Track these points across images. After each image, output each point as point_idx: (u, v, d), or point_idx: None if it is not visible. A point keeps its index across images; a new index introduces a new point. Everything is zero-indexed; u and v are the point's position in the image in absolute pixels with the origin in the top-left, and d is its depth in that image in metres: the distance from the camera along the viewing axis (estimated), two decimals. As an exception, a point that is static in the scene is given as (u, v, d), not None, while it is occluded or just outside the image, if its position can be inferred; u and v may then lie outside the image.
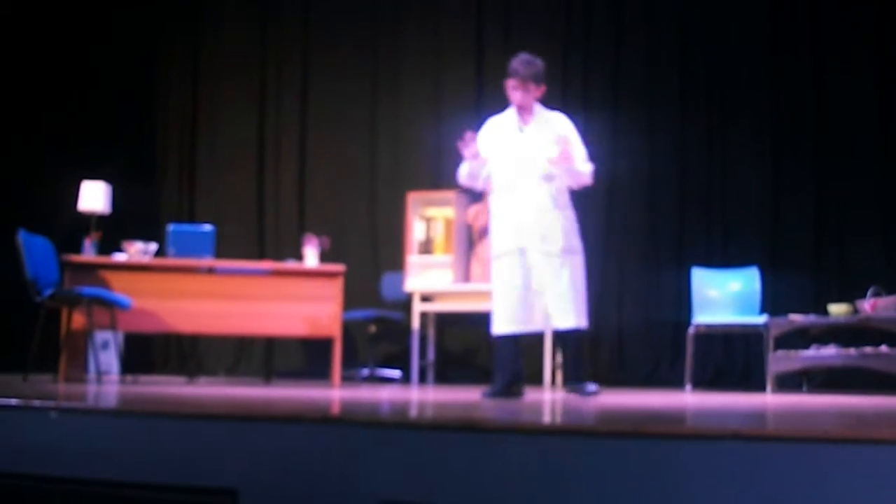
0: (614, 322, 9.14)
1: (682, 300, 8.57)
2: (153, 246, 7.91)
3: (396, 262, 9.53)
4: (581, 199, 9.13)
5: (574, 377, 5.77)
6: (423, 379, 9.13)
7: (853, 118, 8.62)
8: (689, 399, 5.78)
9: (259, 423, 3.04)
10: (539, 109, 5.88)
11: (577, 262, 5.78)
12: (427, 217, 9.40)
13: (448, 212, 9.32)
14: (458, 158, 9.79)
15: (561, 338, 5.91)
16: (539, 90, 5.80)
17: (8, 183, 9.67)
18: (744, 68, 9.00)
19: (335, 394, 5.60)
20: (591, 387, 5.68)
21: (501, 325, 5.70)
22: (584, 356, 6.20)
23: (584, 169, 5.82)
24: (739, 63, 9.01)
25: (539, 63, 5.79)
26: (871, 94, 8.61)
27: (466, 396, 5.49)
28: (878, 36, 8.63)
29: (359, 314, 8.97)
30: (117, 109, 10.38)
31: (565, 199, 5.84)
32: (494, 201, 5.90)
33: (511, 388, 5.60)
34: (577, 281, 5.74)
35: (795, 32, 8.91)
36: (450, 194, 9.29)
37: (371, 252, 10.00)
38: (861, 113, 8.61)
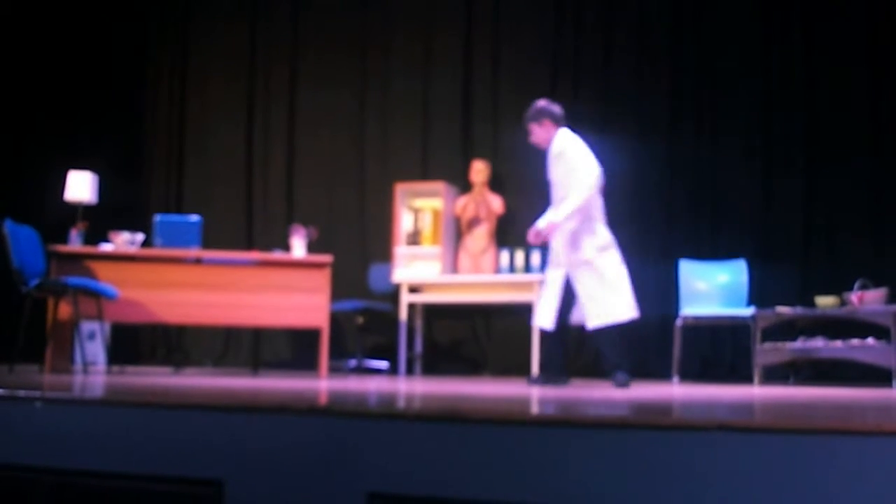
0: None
1: (670, 292, 8.58)
2: (140, 236, 7.89)
3: (384, 253, 9.52)
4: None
5: (611, 367, 6.51)
6: (410, 370, 9.14)
7: (843, 112, 8.63)
8: (676, 391, 5.79)
9: (246, 413, 3.03)
10: (553, 145, 6.70)
11: (586, 270, 6.56)
12: (415, 208, 9.39)
13: (436, 203, 9.31)
14: (445, 149, 9.88)
15: (591, 336, 6.80)
16: (541, 127, 6.70)
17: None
18: (735, 59, 9.00)
19: (322, 385, 5.60)
20: (621, 377, 6.37)
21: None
22: (617, 349, 6.64)
23: (569, 210, 6.46)
24: (731, 54, 9.01)
25: (535, 105, 6.74)
26: (862, 89, 8.61)
27: (454, 387, 5.49)
28: (870, 32, 8.64)
29: (346, 305, 8.96)
30: (105, 99, 10.35)
31: (571, 221, 6.54)
32: None
33: (552, 378, 6.52)
34: (587, 286, 6.55)
35: (787, 25, 8.91)
36: (438, 185, 9.29)
37: (359, 243, 9.98)
38: (851, 107, 8.62)
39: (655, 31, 9.29)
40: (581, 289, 6.55)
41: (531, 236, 6.62)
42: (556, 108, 6.74)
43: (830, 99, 8.69)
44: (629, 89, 9.30)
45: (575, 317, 6.71)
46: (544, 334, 6.82)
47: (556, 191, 6.66)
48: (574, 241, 6.55)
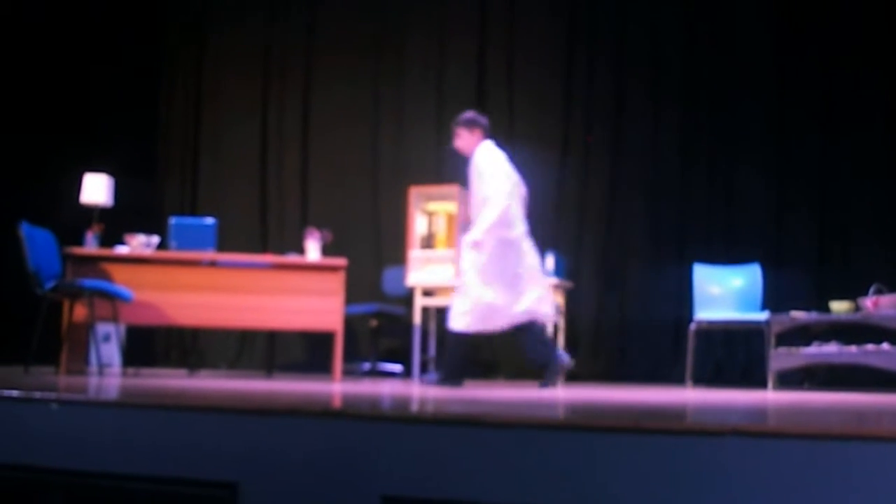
0: (616, 318, 9.14)
1: (684, 296, 8.57)
2: (155, 239, 7.91)
3: (398, 257, 9.53)
4: (583, 195, 9.16)
5: (441, 366, 6.95)
6: (424, 373, 9.13)
7: (858, 116, 8.61)
8: (689, 395, 5.78)
9: (260, 416, 3.04)
10: (475, 154, 6.89)
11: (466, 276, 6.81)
12: (429, 211, 9.39)
13: (450, 206, 9.30)
14: (459, 153, 9.90)
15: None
16: (471, 134, 6.96)
17: (10, 175, 9.67)
18: (749, 64, 8.99)
19: (336, 388, 5.60)
20: (432, 376, 6.91)
21: None
22: (453, 354, 6.95)
23: (489, 221, 6.69)
24: (745, 59, 9.00)
25: (466, 114, 7.06)
26: (877, 93, 8.60)
27: (467, 391, 5.49)
28: (889, 29, 8.62)
29: (360, 308, 8.97)
30: (120, 102, 10.37)
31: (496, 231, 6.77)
32: None
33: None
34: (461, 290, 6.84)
35: (801, 33, 8.90)
36: (452, 189, 9.28)
37: (373, 246, 10.00)
38: (866, 111, 8.60)
39: (669, 34, 9.28)
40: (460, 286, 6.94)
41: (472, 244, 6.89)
42: (485, 120, 7.06)
43: (845, 105, 8.67)
44: (643, 93, 9.30)
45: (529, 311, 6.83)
46: (516, 335, 6.97)
47: (472, 197, 6.95)
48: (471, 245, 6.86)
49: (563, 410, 3.53)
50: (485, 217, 6.70)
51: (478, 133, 6.97)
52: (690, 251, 8.82)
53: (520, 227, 6.89)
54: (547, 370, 6.74)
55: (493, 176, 6.75)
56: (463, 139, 7.00)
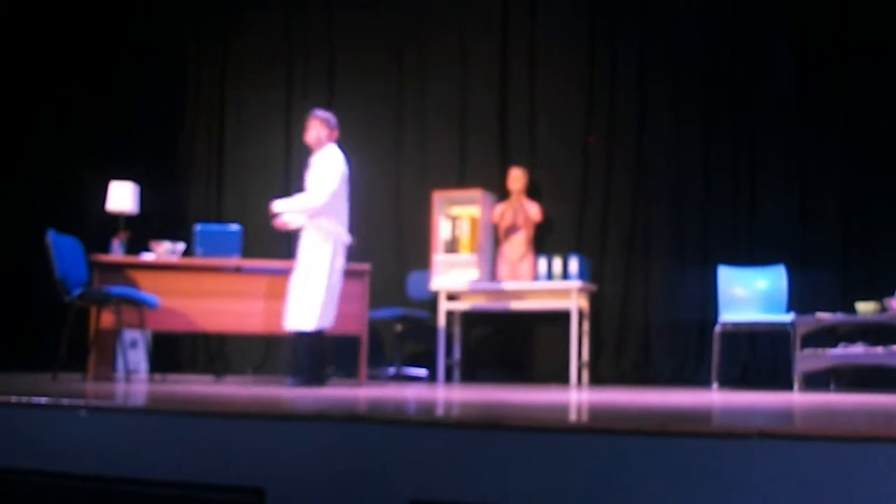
0: (640, 320, 9.12)
1: (709, 298, 8.54)
2: (181, 245, 7.95)
3: (422, 261, 9.53)
4: (607, 197, 9.13)
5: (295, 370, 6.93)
6: (449, 377, 9.14)
7: (881, 117, 8.54)
8: (715, 398, 5.76)
9: (286, 421, 3.05)
10: (321, 151, 7.16)
11: (313, 274, 6.96)
12: (453, 216, 9.40)
13: (474, 210, 9.32)
14: (482, 157, 9.88)
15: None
16: (329, 133, 7.18)
17: (37, 183, 9.75)
18: (771, 63, 8.94)
19: (362, 392, 5.62)
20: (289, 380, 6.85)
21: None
22: (309, 356, 7.02)
23: (300, 206, 7.05)
24: (765, 60, 8.95)
25: (325, 112, 7.33)
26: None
27: (492, 395, 5.49)
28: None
29: (385, 313, 8.99)
30: (145, 110, 10.44)
31: (316, 223, 7.05)
32: None
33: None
34: (308, 289, 6.94)
35: (823, 30, 8.85)
36: (475, 193, 9.30)
37: (397, 251, 10.00)
38: (887, 111, 8.53)
39: (691, 37, 9.23)
40: (292, 289, 7.04)
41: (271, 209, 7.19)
42: (337, 124, 7.28)
43: (867, 104, 8.60)
44: (665, 95, 9.27)
45: None
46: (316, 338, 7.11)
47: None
48: (306, 244, 7.05)
49: (588, 414, 3.53)
50: (303, 200, 7.00)
51: (335, 133, 7.24)
52: (714, 253, 8.78)
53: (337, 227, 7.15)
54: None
55: (332, 174, 7.02)
56: (318, 133, 7.17)
